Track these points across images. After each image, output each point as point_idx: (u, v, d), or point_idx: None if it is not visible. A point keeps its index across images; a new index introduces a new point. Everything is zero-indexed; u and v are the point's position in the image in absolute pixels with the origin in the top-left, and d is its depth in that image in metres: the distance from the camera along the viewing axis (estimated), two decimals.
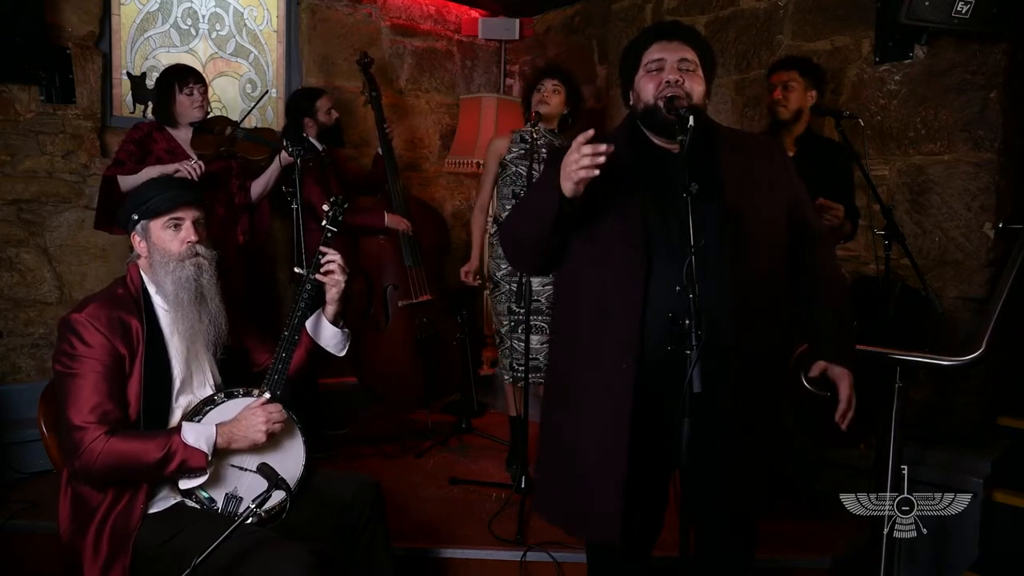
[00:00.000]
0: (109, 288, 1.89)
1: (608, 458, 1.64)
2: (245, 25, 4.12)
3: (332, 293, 2.05)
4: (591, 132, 1.49)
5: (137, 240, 1.89)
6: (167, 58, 3.79)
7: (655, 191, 1.67)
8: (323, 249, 2.02)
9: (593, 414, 1.68)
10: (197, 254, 1.88)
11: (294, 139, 3.12)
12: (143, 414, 1.78)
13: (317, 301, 2.07)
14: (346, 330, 2.13)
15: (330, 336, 2.10)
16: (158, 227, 1.86)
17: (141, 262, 1.90)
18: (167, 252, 1.85)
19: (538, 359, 3.09)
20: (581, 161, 1.46)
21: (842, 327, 1.84)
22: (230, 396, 1.90)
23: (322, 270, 2.01)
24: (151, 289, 1.88)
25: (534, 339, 3.08)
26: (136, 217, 1.86)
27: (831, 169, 2.82)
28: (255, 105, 3.53)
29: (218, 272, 1.95)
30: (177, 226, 1.87)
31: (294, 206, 3.01)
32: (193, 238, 1.88)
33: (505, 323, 3.19)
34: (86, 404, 1.69)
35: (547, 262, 1.80)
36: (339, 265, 2.02)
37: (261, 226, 3.39)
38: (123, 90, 3.71)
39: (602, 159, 1.46)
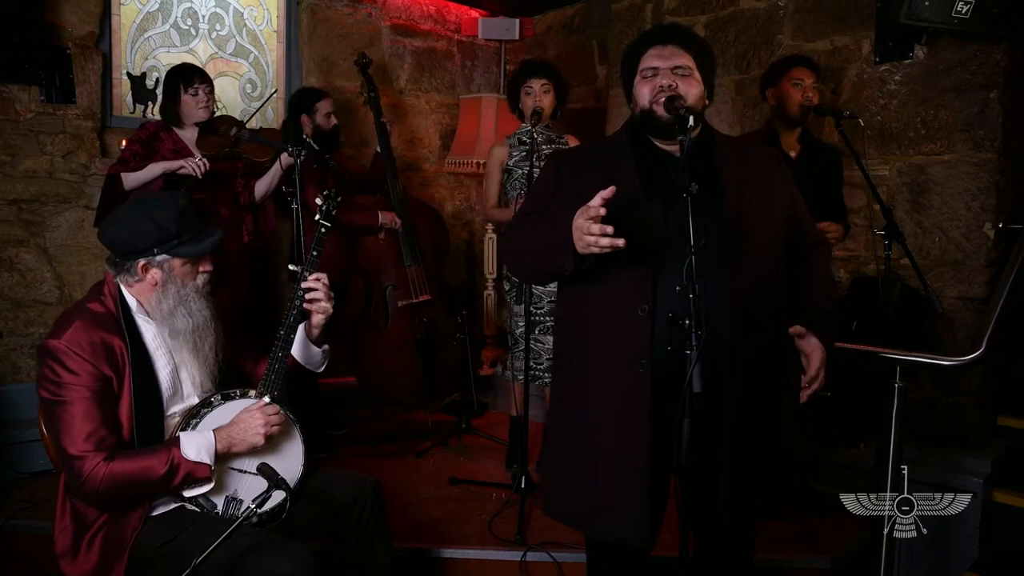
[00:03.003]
0: (83, 304, 1.81)
1: (631, 460, 1.65)
2: (245, 25, 4.12)
3: (318, 319, 1.99)
4: (602, 211, 1.47)
5: (148, 269, 1.81)
6: (167, 58, 3.79)
7: (656, 192, 1.68)
8: (306, 285, 1.95)
9: (610, 416, 1.68)
10: (208, 282, 1.90)
11: (295, 140, 3.12)
12: (136, 432, 1.75)
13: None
14: (326, 347, 2.08)
15: (311, 355, 2.05)
16: (180, 262, 1.82)
17: (141, 285, 1.82)
18: (187, 284, 1.84)
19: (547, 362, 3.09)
20: (600, 241, 1.46)
21: (828, 312, 1.81)
22: (227, 398, 1.89)
23: (307, 297, 1.95)
24: (132, 304, 1.82)
25: (549, 340, 3.07)
26: (157, 251, 1.79)
27: (828, 172, 2.91)
28: (262, 105, 3.53)
29: (218, 276, 1.94)
30: (197, 260, 1.86)
31: (294, 206, 3.02)
32: (210, 268, 1.89)
33: (521, 324, 3.18)
34: (80, 433, 1.66)
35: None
36: (325, 293, 1.95)
37: (267, 226, 3.41)
38: (123, 90, 3.71)
39: (621, 242, 1.45)
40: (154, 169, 2.89)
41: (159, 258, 1.80)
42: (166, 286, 1.82)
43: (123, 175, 2.90)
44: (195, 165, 2.88)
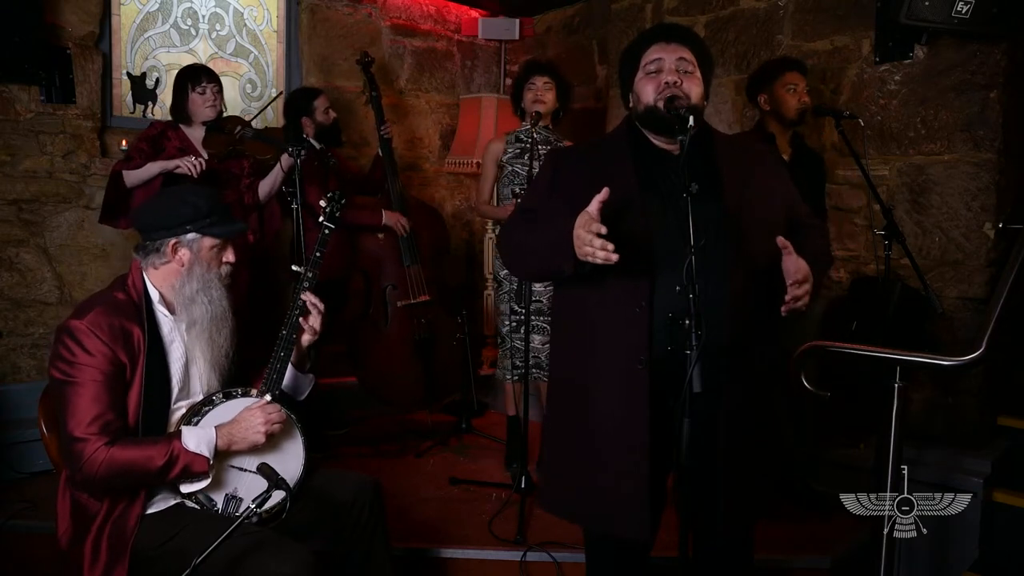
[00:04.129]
0: (108, 292, 1.85)
1: (630, 458, 1.65)
2: (245, 25, 4.12)
3: (304, 339, 2.01)
4: (603, 228, 1.46)
5: (178, 249, 1.84)
6: (167, 58, 3.80)
7: (655, 192, 1.68)
8: (306, 298, 1.97)
9: (608, 414, 1.68)
10: (230, 274, 1.93)
11: (294, 140, 3.13)
12: (142, 421, 1.77)
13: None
14: (311, 376, 2.08)
15: (296, 381, 2.04)
16: (208, 243, 1.85)
17: (167, 268, 1.85)
18: (210, 269, 1.86)
19: (539, 358, 3.10)
20: (597, 254, 1.46)
21: (816, 260, 1.71)
22: (229, 397, 1.90)
23: (303, 313, 1.98)
24: (154, 295, 1.85)
25: (536, 339, 3.09)
26: (190, 227, 1.83)
27: (812, 177, 2.93)
28: (267, 105, 3.54)
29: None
30: (224, 246, 1.89)
31: (294, 206, 3.02)
32: (233, 259, 1.92)
33: (507, 323, 3.19)
34: (86, 415, 1.67)
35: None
36: (318, 318, 1.98)
37: (271, 225, 3.41)
38: (123, 90, 3.71)
39: (614, 258, 1.45)
40: (152, 168, 2.92)
41: (190, 236, 1.84)
42: (192, 268, 1.84)
43: (124, 173, 2.93)
44: (191, 165, 2.90)
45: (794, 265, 1.58)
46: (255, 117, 3.47)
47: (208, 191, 1.93)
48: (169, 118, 3.23)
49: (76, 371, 1.70)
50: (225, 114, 3.22)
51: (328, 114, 3.58)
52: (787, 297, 1.58)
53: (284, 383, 2.00)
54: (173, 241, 1.83)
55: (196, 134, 3.12)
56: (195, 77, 3.09)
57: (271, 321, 3.56)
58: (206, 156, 3.00)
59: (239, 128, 3.11)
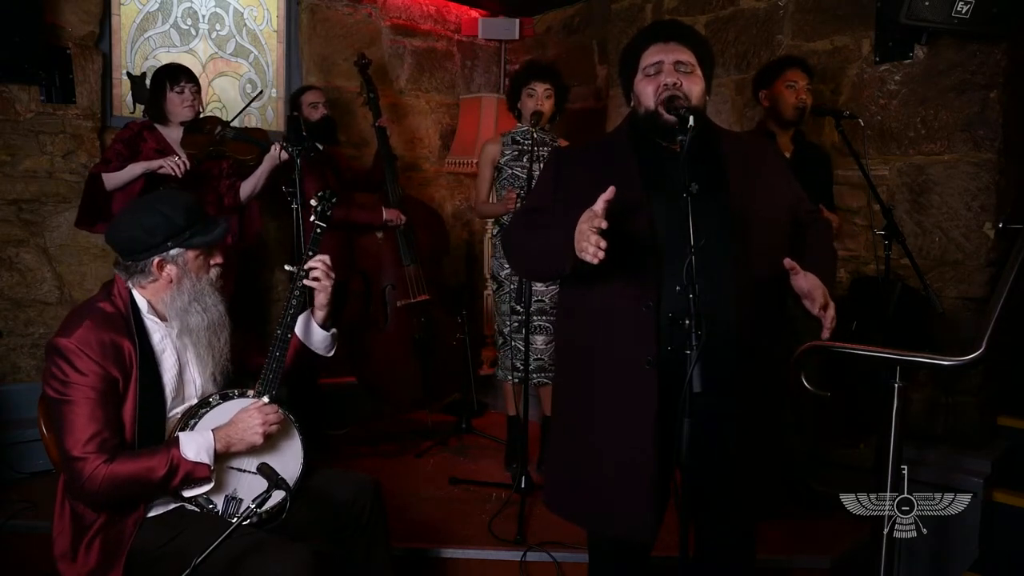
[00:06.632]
0: (93, 304, 1.81)
1: (636, 459, 1.65)
2: (245, 25, 4.12)
3: (320, 298, 2.01)
4: (604, 224, 1.46)
5: (164, 266, 1.80)
6: (167, 58, 3.79)
7: (658, 191, 1.68)
8: (309, 264, 1.97)
9: (615, 414, 1.68)
10: (221, 276, 1.91)
11: (294, 138, 3.11)
12: (138, 433, 1.76)
13: (310, 298, 2.05)
14: (334, 331, 2.09)
15: (319, 339, 2.07)
16: (193, 255, 1.83)
17: (156, 285, 1.82)
18: (200, 278, 1.84)
19: (542, 359, 3.09)
20: (588, 250, 1.45)
21: (824, 262, 1.75)
22: (225, 398, 1.89)
23: (310, 275, 1.97)
24: (142, 305, 1.82)
25: (538, 339, 3.08)
26: (171, 244, 1.79)
27: (819, 172, 2.91)
28: (248, 105, 3.52)
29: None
30: (210, 252, 1.87)
31: (294, 206, 3.00)
32: (221, 260, 1.90)
33: (508, 323, 3.18)
34: (83, 434, 1.66)
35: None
36: (324, 270, 1.97)
37: (251, 227, 3.36)
38: (123, 90, 3.71)
39: (600, 255, 1.45)
40: (135, 169, 2.88)
41: (173, 252, 1.80)
42: (181, 282, 1.82)
43: (104, 175, 2.89)
44: (174, 164, 2.86)
45: (807, 284, 1.58)
46: (235, 117, 3.45)
47: (181, 197, 1.88)
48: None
49: (69, 390, 1.68)
50: (203, 114, 3.18)
51: (316, 110, 3.54)
52: (824, 334, 1.60)
53: (303, 338, 2.02)
54: (157, 259, 1.79)
55: (173, 134, 3.07)
56: (173, 76, 3.04)
57: (258, 321, 3.57)
58: (185, 157, 2.94)
59: (219, 128, 3.08)
